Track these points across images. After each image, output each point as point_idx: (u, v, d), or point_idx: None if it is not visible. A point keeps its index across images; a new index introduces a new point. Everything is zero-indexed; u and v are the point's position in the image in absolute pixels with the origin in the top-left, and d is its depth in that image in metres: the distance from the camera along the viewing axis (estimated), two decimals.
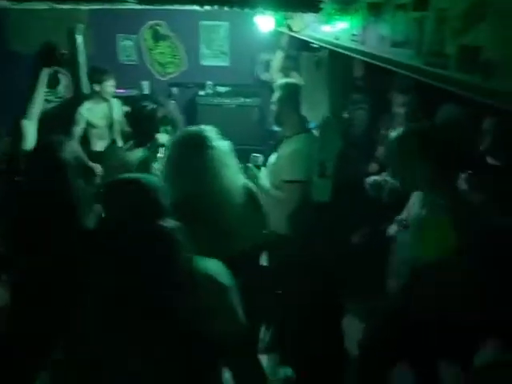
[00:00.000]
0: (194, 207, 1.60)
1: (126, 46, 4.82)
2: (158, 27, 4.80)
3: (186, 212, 1.35)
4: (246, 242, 1.90)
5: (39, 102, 2.31)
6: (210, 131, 1.84)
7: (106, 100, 3.81)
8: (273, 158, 2.79)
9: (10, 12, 4.33)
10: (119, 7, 2.40)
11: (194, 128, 1.90)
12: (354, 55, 1.95)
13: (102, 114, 3.83)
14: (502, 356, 1.72)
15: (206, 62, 4.94)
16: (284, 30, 2.90)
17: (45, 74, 2.32)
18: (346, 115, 3.08)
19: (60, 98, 4.58)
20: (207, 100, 4.73)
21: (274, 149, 2.85)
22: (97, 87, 3.73)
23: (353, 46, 1.97)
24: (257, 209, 2.05)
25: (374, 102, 3.05)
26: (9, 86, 4.04)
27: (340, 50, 2.13)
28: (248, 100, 4.70)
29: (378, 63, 1.73)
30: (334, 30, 2.16)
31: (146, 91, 4.81)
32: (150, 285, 1.23)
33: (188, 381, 1.33)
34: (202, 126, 1.86)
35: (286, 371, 1.97)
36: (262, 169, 2.76)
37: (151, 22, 4.77)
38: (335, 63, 2.40)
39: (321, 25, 2.31)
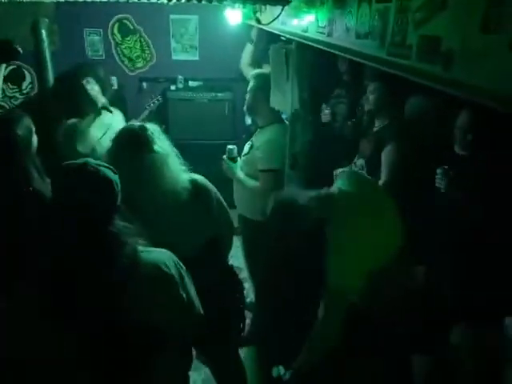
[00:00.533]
0: (135, 207, 1.51)
1: (93, 40, 4.70)
2: (125, 21, 4.71)
3: (130, 210, 1.35)
4: (196, 241, 1.86)
5: None
6: (150, 127, 1.78)
7: None
8: (246, 147, 2.79)
9: None
10: None
11: (133, 125, 1.83)
12: (321, 47, 1.97)
13: None
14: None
15: (176, 57, 4.88)
16: (252, 22, 2.89)
17: (0, 70, 2.42)
18: (327, 109, 3.10)
19: (25, 94, 4.44)
20: (178, 95, 4.67)
21: (248, 139, 2.86)
22: None
23: (320, 38, 1.98)
24: (206, 206, 1.95)
25: (356, 96, 3.06)
26: None
27: (308, 43, 2.14)
28: (220, 94, 4.66)
29: (343, 55, 1.75)
30: (302, 22, 2.16)
31: (115, 86, 4.70)
32: (89, 275, 1.23)
33: (127, 369, 1.33)
34: (142, 123, 1.81)
35: (280, 369, 1.95)
36: (238, 160, 2.75)
37: (119, 16, 4.67)
38: (304, 55, 2.41)
39: (289, 17, 2.31)
